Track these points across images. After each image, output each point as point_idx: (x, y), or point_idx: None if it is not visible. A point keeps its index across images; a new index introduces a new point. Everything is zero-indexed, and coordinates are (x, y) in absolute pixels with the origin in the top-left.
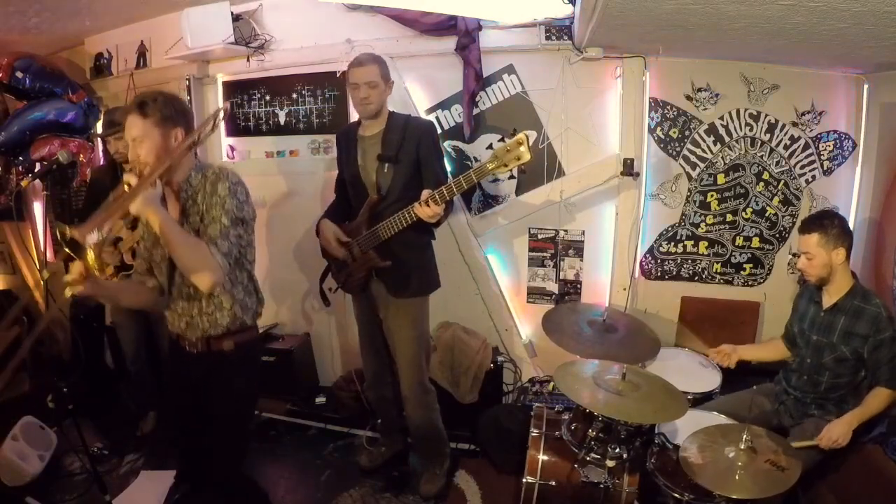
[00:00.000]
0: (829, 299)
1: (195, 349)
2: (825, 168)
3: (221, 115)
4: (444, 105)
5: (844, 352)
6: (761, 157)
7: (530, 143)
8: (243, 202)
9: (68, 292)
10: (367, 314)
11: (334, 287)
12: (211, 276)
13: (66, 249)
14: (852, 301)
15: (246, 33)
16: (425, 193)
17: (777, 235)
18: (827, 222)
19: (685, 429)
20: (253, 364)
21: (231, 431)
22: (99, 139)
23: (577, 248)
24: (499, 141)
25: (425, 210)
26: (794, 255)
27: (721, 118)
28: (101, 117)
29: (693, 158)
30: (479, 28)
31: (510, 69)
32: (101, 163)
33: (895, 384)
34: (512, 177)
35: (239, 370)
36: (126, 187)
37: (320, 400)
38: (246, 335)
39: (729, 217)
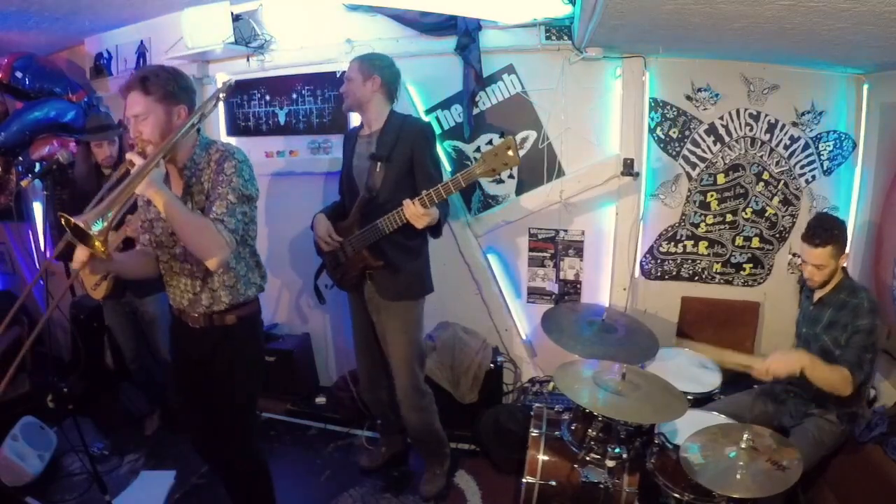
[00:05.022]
0: (818, 293)
1: (198, 325)
2: (825, 168)
3: (224, 92)
4: (444, 105)
5: (826, 342)
6: (761, 157)
7: (527, 145)
8: (248, 180)
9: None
10: (361, 315)
11: (330, 284)
12: (219, 253)
13: (71, 238)
14: (838, 295)
15: (246, 33)
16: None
17: (777, 235)
18: (837, 232)
19: (685, 429)
20: (256, 337)
21: (237, 407)
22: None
23: (576, 248)
24: (488, 144)
25: (411, 209)
26: (794, 254)
27: (721, 118)
28: (88, 121)
29: (693, 158)
30: (479, 28)
31: (510, 69)
32: (81, 166)
33: (855, 371)
34: (511, 176)
35: (243, 343)
36: (129, 166)
37: (320, 400)
38: (248, 308)
39: (729, 217)
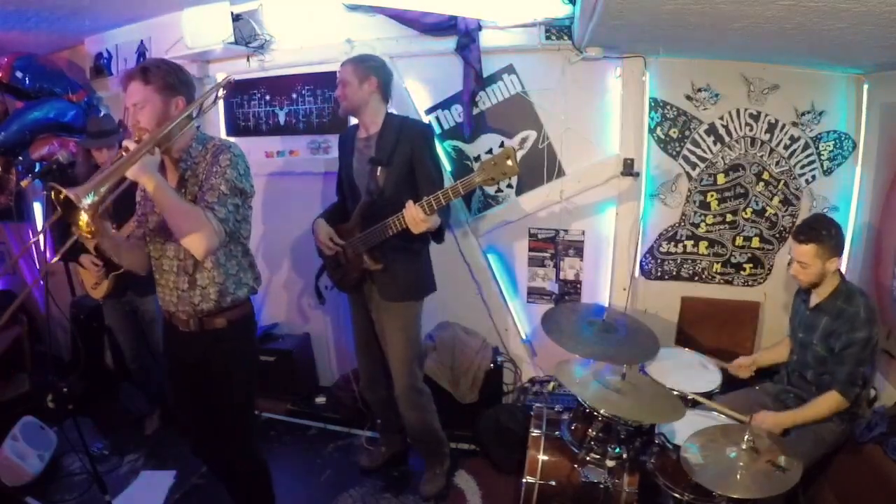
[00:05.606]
0: (815, 299)
1: (188, 328)
2: (825, 168)
3: (224, 86)
4: (444, 105)
5: (821, 351)
6: (761, 157)
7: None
8: (242, 174)
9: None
10: (362, 315)
11: (330, 285)
12: (206, 240)
13: (60, 210)
14: (835, 302)
15: (246, 33)
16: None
17: (777, 235)
18: (824, 233)
19: (685, 429)
20: (249, 340)
21: (237, 407)
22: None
23: (577, 248)
24: (499, 147)
25: (412, 211)
26: None
27: (721, 118)
28: (88, 124)
29: (693, 158)
30: (479, 28)
31: (510, 69)
32: (81, 166)
33: (847, 390)
34: (510, 185)
35: (235, 346)
36: (124, 153)
37: (320, 400)
38: (239, 311)
39: (729, 217)
